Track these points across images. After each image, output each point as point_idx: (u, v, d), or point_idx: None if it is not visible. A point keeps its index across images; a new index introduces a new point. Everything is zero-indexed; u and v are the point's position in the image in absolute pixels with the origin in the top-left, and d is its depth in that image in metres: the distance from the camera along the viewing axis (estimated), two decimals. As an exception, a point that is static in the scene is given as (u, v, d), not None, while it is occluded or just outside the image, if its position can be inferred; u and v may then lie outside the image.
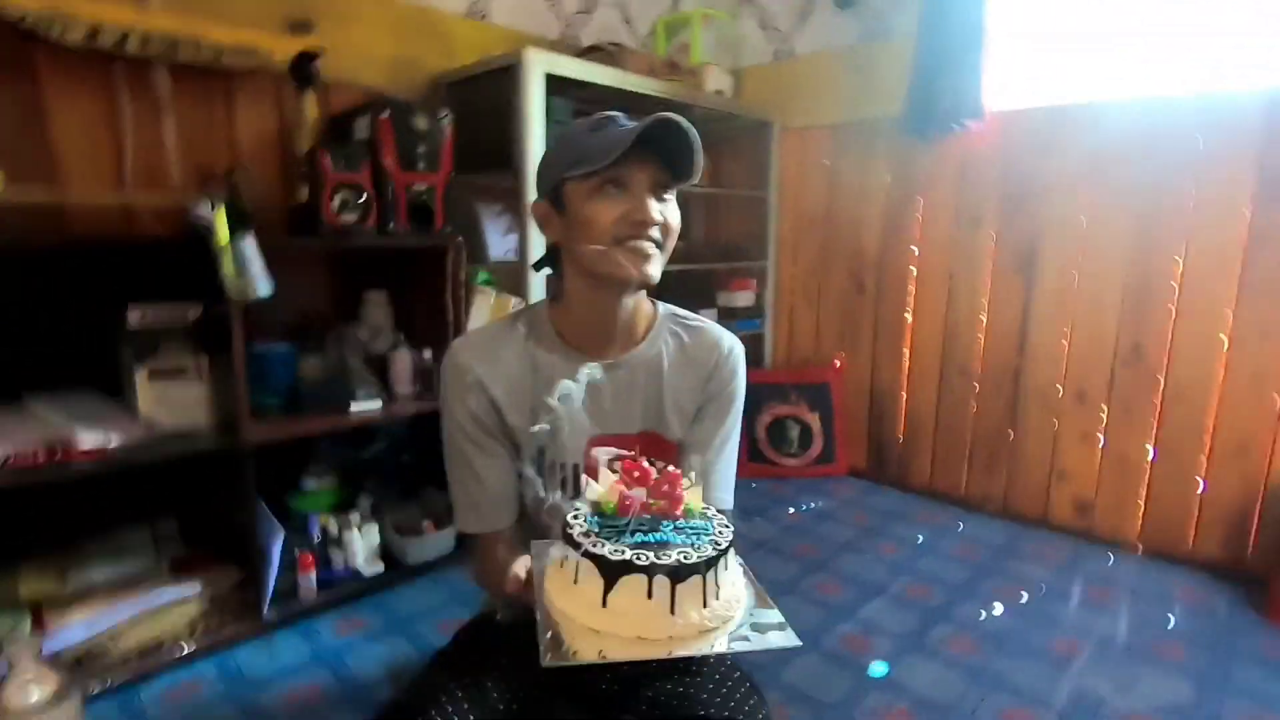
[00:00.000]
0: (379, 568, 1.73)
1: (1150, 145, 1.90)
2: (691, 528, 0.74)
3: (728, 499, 1.03)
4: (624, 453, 0.85)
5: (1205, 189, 1.83)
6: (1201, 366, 1.87)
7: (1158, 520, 1.98)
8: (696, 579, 0.67)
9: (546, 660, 0.64)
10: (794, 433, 2.55)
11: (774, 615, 0.72)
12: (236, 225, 1.33)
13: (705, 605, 0.68)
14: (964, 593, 1.76)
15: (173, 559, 1.53)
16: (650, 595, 0.66)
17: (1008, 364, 2.21)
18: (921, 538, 2.08)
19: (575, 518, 0.75)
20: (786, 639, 0.69)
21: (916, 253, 2.38)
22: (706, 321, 1.07)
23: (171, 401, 1.44)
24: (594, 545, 0.69)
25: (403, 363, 1.83)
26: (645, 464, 0.78)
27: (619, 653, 0.66)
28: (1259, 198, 1.76)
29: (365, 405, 1.70)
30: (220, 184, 1.36)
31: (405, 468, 1.96)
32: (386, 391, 1.80)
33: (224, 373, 1.46)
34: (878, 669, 1.44)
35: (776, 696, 1.33)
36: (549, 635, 0.67)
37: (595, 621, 0.68)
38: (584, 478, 0.82)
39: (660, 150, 0.86)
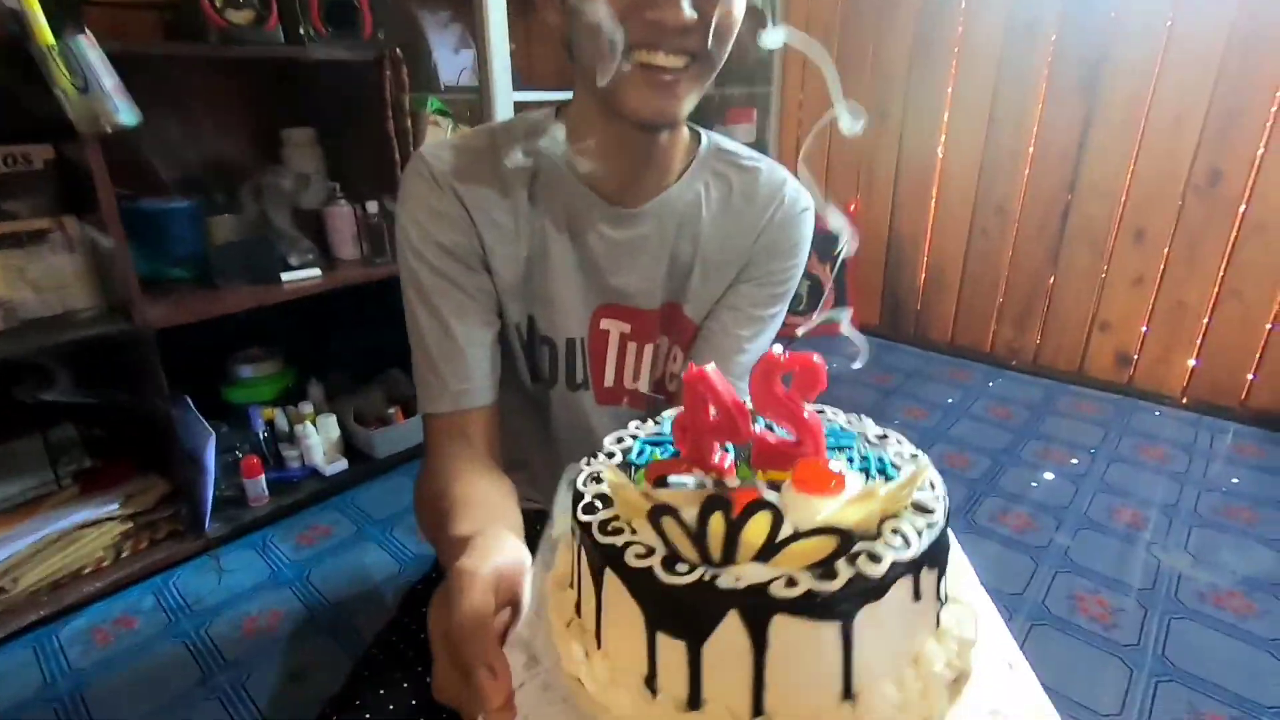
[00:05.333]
0: (342, 465, 1.48)
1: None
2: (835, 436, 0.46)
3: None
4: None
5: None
6: (1294, 193, 1.60)
7: (1209, 371, 1.79)
8: (904, 589, 0.36)
9: None
10: (803, 287, 2.27)
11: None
12: (62, 18, 0.91)
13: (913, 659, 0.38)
14: (1008, 459, 1.58)
15: (79, 472, 1.25)
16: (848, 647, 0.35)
17: (1055, 200, 1.92)
18: (951, 399, 1.88)
19: (608, 523, 0.39)
20: None
21: (954, 69, 2.00)
22: (763, 160, 0.77)
23: (33, 277, 1.09)
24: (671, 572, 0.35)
25: (342, 220, 1.47)
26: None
27: None
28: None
29: (300, 275, 1.36)
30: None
31: (361, 348, 1.65)
32: (325, 256, 1.45)
33: (100, 235, 1.10)
34: (930, 554, 1.27)
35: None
36: None
37: None
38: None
39: None
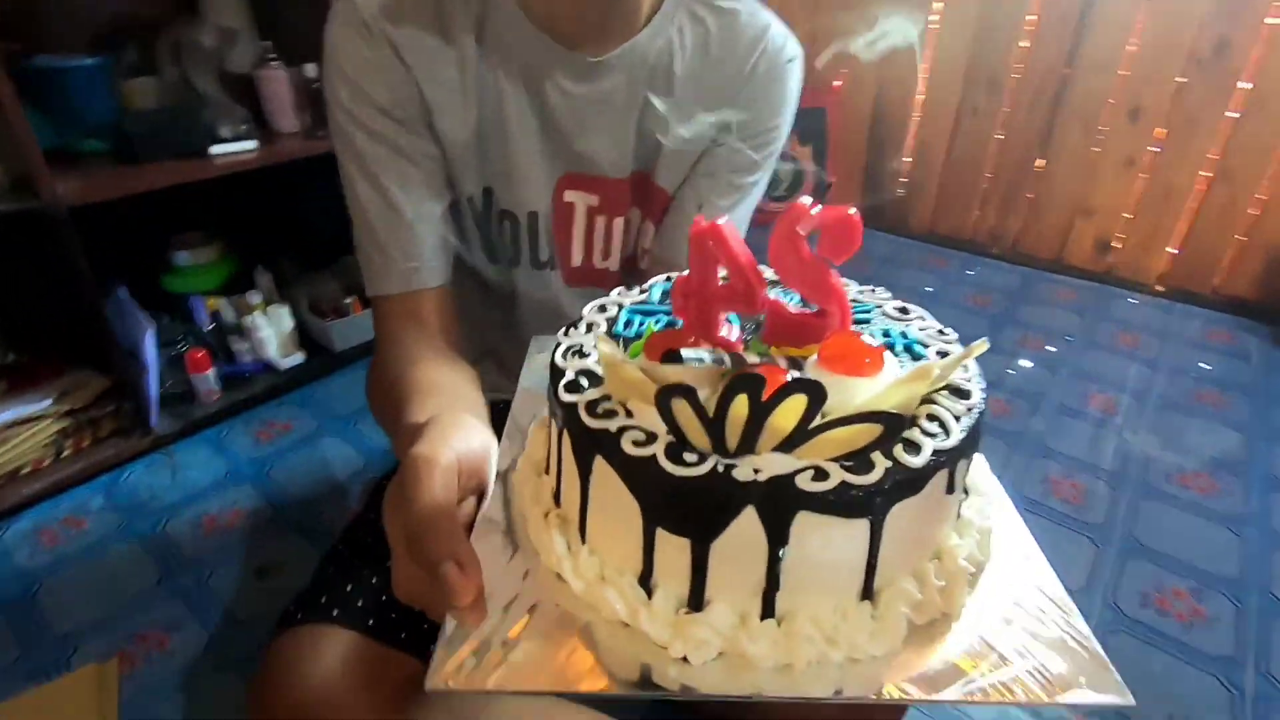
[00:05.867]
0: (298, 358, 1.39)
1: None
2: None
3: None
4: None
5: None
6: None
7: (1188, 257, 1.78)
8: (940, 481, 0.31)
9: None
10: (784, 170, 2.16)
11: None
12: None
13: (938, 552, 0.34)
14: (985, 347, 1.56)
15: (5, 367, 1.15)
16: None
17: (1051, 75, 1.81)
18: (930, 287, 1.85)
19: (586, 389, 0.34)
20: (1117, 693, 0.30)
21: (956, -78, 1.81)
22: (747, 1, 0.66)
23: (-87, 145, 0.94)
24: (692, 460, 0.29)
25: (277, 85, 1.30)
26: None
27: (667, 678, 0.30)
28: None
29: (232, 148, 1.21)
30: None
31: (312, 232, 1.52)
32: (261, 127, 1.30)
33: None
34: (907, 441, 1.26)
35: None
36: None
37: (682, 640, 0.30)
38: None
39: None
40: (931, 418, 0.32)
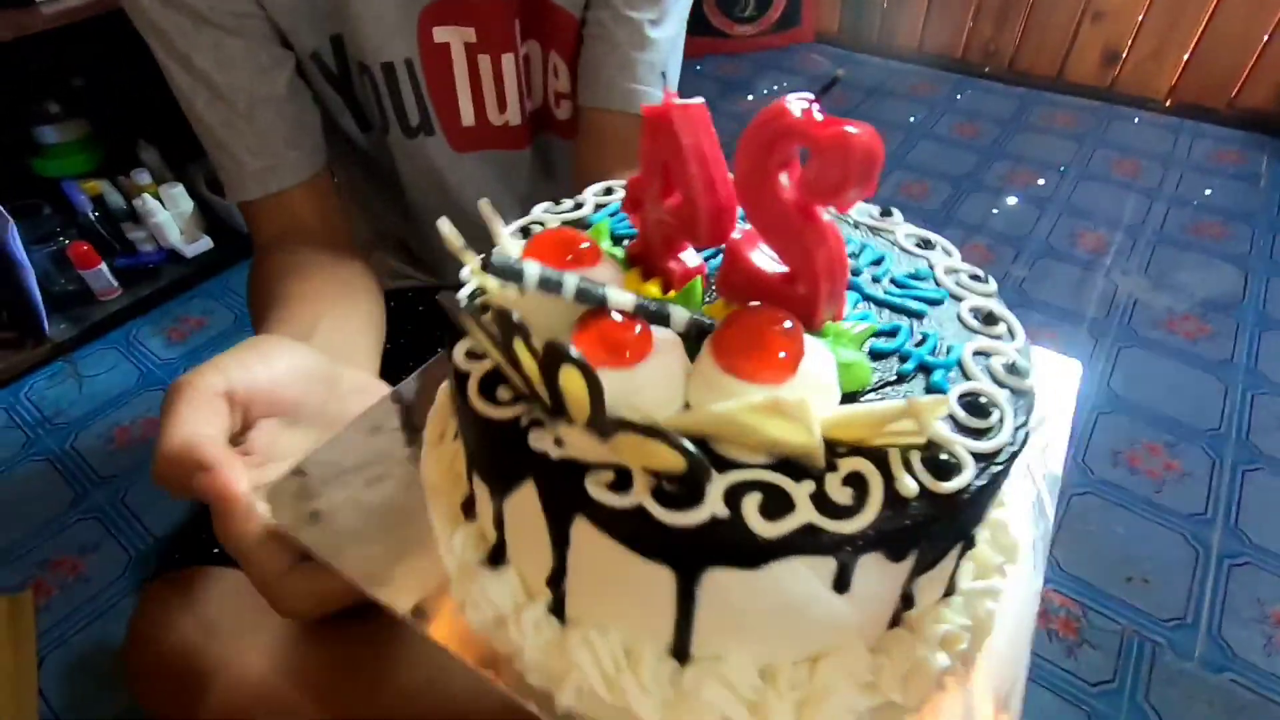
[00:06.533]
0: (205, 243, 1.25)
1: None
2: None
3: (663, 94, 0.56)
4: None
5: None
6: None
7: (1202, 66, 1.58)
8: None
9: None
10: (750, -14, 1.87)
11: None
12: None
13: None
14: (970, 185, 1.42)
15: None
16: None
17: None
18: (913, 118, 1.66)
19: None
20: None
21: None
22: None
23: None
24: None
25: (106, -97, 1.05)
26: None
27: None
28: None
29: (60, -9, 0.99)
30: None
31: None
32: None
33: None
34: (877, 299, 1.16)
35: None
36: None
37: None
38: (504, 232, 0.29)
39: None
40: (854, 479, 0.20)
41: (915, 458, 0.20)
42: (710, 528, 0.18)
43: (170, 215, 1.22)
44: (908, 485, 0.19)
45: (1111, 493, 0.86)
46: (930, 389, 0.23)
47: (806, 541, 0.18)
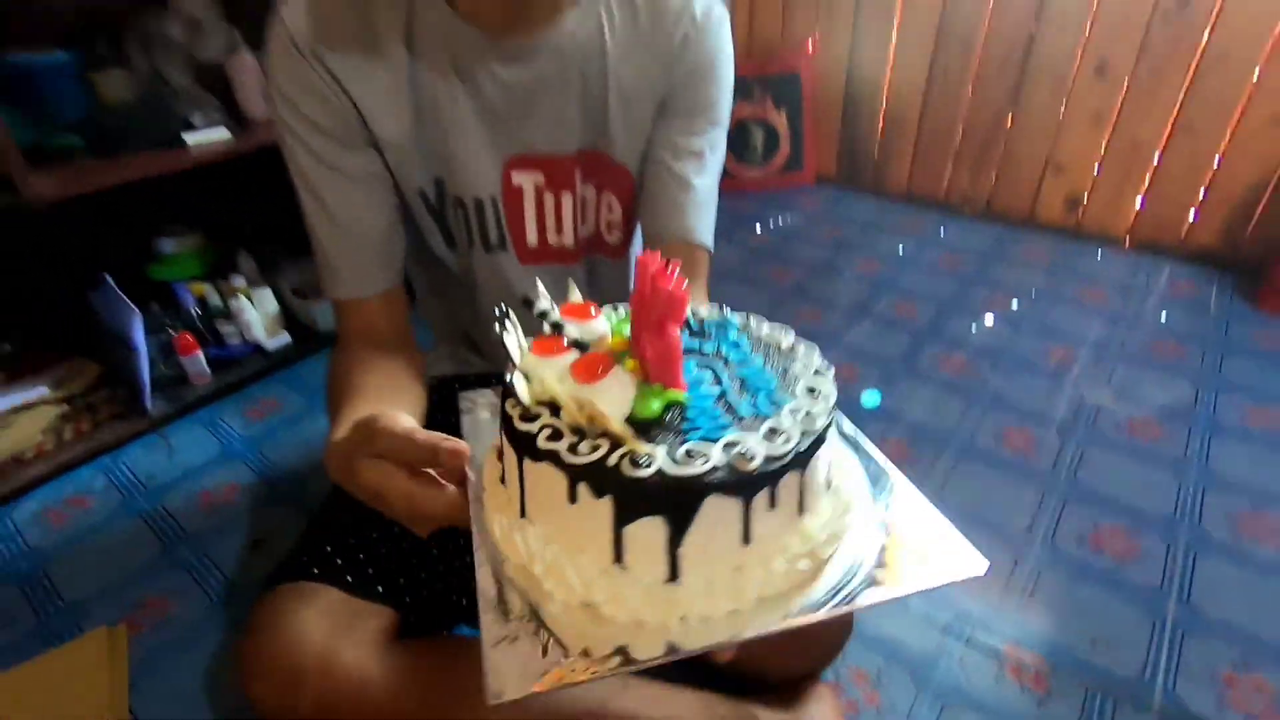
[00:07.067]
0: (284, 339, 1.45)
1: None
2: (734, 349, 0.47)
3: (708, 231, 0.75)
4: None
5: None
6: (1263, 14, 1.52)
7: (1154, 210, 1.81)
8: (792, 480, 0.37)
9: (528, 688, 0.34)
10: (758, 138, 2.18)
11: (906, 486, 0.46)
12: None
13: (799, 530, 0.39)
14: (952, 306, 1.61)
15: None
16: (749, 537, 0.37)
17: (1019, 34, 1.82)
18: (902, 249, 1.88)
19: (525, 416, 0.40)
20: (967, 564, 0.40)
21: (922, -122, 1.80)
22: None
23: (-105, 148, 0.98)
24: (576, 452, 0.36)
25: (247, 73, 1.33)
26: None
27: (647, 648, 0.35)
28: None
29: (206, 136, 1.25)
30: None
31: (291, 216, 1.56)
32: (234, 115, 1.33)
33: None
34: (870, 399, 1.32)
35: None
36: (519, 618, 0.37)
37: (601, 595, 0.37)
38: (509, 338, 0.43)
39: None
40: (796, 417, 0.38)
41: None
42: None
43: (258, 314, 1.42)
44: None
45: (1078, 568, 0.97)
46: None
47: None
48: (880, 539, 0.42)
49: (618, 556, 0.37)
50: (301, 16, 0.59)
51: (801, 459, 0.37)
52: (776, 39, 2.21)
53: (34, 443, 1.14)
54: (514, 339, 0.43)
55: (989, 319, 1.56)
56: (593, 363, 0.39)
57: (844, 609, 0.37)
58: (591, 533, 0.37)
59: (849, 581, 0.39)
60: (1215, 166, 1.68)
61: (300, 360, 1.45)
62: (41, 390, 1.16)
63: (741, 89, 2.12)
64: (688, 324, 0.51)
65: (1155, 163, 1.76)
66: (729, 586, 0.37)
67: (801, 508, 0.39)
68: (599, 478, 0.35)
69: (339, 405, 0.58)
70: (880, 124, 2.14)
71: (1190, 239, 1.78)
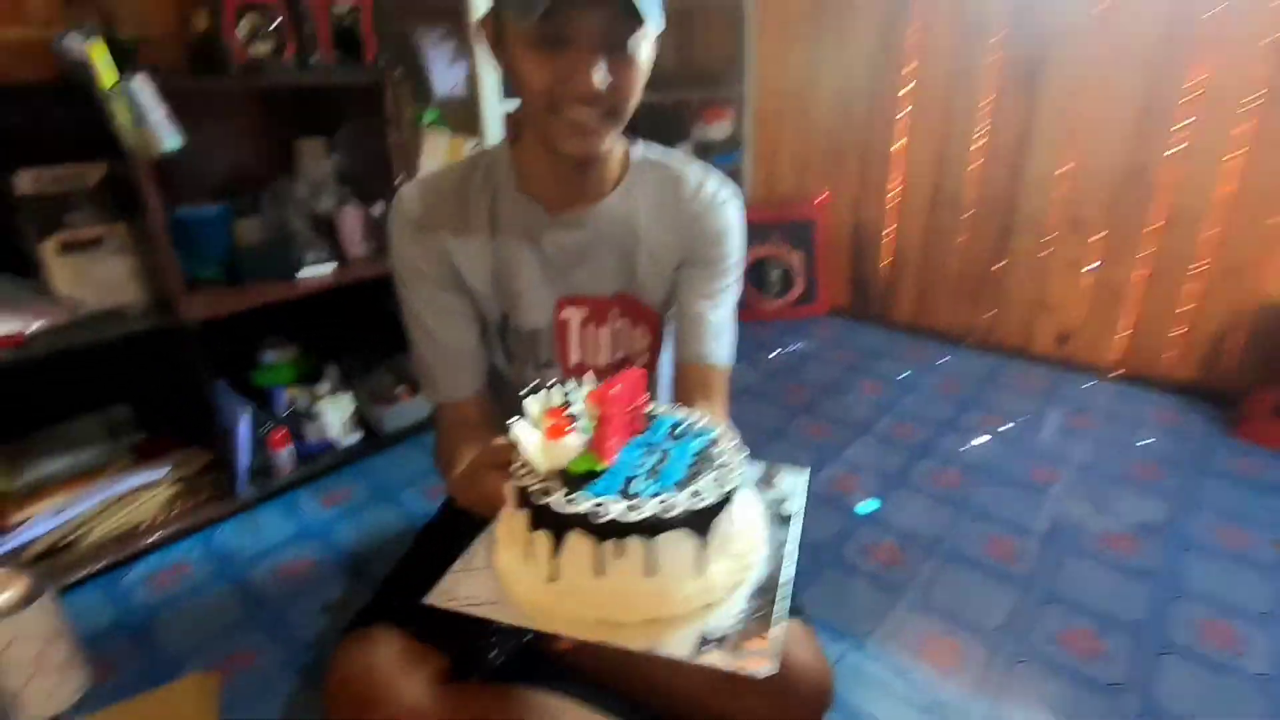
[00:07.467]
0: (356, 438, 1.68)
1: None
2: (683, 442, 0.64)
3: (722, 353, 0.93)
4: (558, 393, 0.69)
5: (1239, -21, 1.62)
6: (1208, 184, 1.76)
7: (1137, 346, 1.98)
8: (683, 536, 0.55)
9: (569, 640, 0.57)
10: (775, 274, 2.46)
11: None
12: (121, 62, 1.09)
13: (702, 573, 0.56)
14: (947, 427, 1.77)
15: (134, 445, 1.45)
16: (602, 569, 0.54)
17: (1002, 192, 2.09)
18: (905, 374, 2.07)
19: (543, 490, 0.58)
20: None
21: (913, 67, 2.16)
22: (690, 164, 0.93)
23: (92, 277, 1.28)
24: (542, 494, 0.56)
25: (352, 221, 1.65)
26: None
27: (576, 630, 0.56)
28: (1298, -12, 1.56)
29: (316, 270, 1.55)
30: (92, 10, 1.11)
31: (370, 333, 1.84)
32: (338, 254, 1.64)
33: (148, 243, 1.29)
34: (866, 507, 1.47)
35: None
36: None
37: (543, 600, 0.57)
38: (518, 428, 0.62)
39: None
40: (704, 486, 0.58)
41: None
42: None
43: (336, 417, 1.66)
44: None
45: (1048, 664, 1.07)
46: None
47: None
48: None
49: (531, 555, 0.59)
50: (416, 202, 0.86)
51: (644, 527, 0.54)
52: (792, 192, 2.53)
53: (150, 517, 1.36)
54: (537, 406, 0.64)
55: (981, 439, 1.71)
56: (559, 426, 0.60)
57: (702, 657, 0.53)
58: (523, 538, 0.58)
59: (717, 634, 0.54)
60: (1187, 308, 1.87)
61: (368, 456, 1.67)
62: (162, 473, 1.39)
63: (760, 233, 2.42)
64: (672, 424, 0.69)
65: (1132, 305, 1.95)
66: (587, 598, 0.56)
67: (647, 568, 0.55)
68: (528, 505, 0.58)
69: (453, 461, 0.81)
70: (885, 265, 2.41)
71: (1173, 372, 1.94)
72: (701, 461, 0.62)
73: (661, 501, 0.55)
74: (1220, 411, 1.81)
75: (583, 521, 0.54)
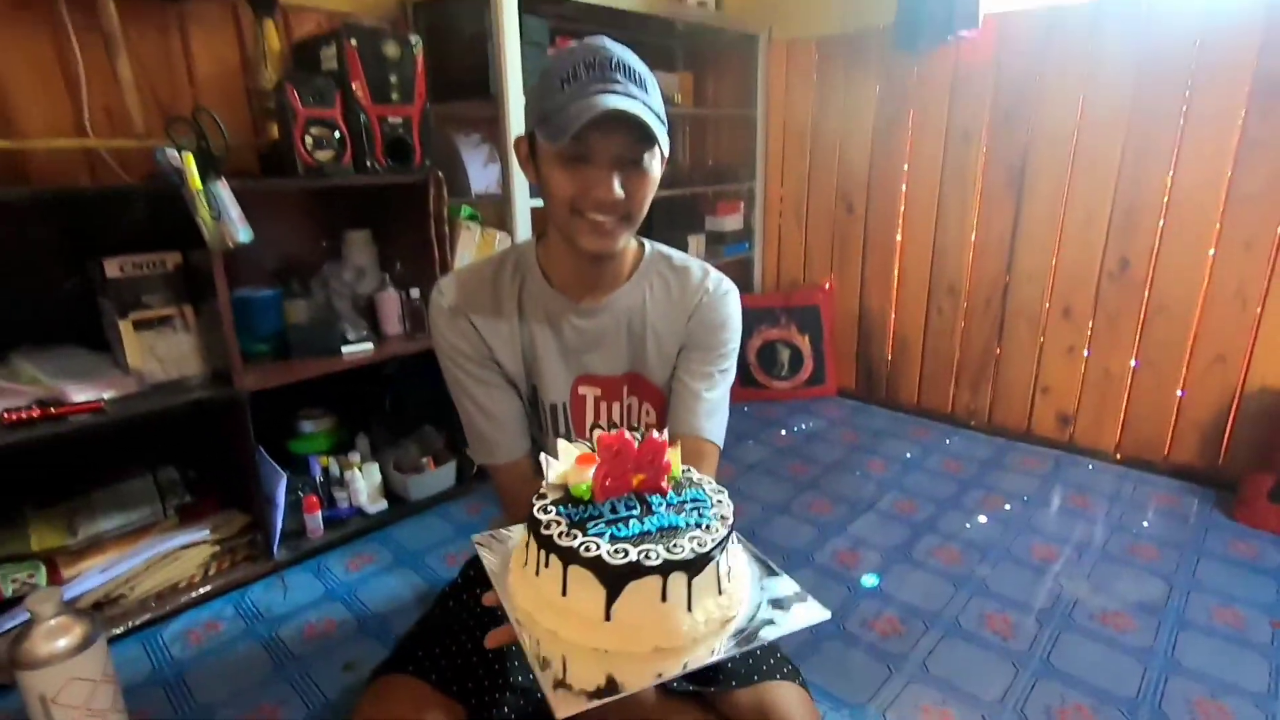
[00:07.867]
0: (383, 505, 1.77)
1: (1146, 50, 1.84)
2: (689, 500, 0.68)
3: (715, 430, 1.02)
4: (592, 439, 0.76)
5: (1200, 98, 1.79)
6: (1186, 278, 1.88)
7: (1136, 430, 2.04)
8: (712, 568, 0.61)
9: (561, 714, 0.54)
10: (784, 356, 2.57)
11: (788, 585, 0.68)
12: (207, 170, 1.28)
13: (720, 592, 0.62)
14: (950, 505, 1.83)
15: (179, 505, 1.55)
16: (665, 598, 0.59)
17: (996, 282, 2.22)
18: (909, 454, 2.14)
19: (544, 509, 0.65)
20: (813, 612, 0.63)
21: (907, 169, 2.34)
22: (694, 262, 1.05)
23: (160, 352, 1.43)
24: (583, 546, 0.59)
25: (390, 303, 1.81)
26: (626, 434, 0.68)
27: (633, 675, 0.57)
28: (1252, 109, 1.72)
29: (356, 348, 1.69)
30: (185, 127, 1.30)
31: (401, 407, 1.97)
32: (376, 333, 1.79)
33: (210, 321, 1.44)
34: (868, 580, 1.52)
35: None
36: (546, 668, 0.58)
37: (599, 640, 0.59)
38: (543, 456, 0.73)
39: (628, 116, 0.80)
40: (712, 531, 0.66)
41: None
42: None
43: (365, 485, 1.76)
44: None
45: (1044, 738, 1.10)
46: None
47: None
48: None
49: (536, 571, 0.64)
50: (454, 291, 0.99)
51: (722, 545, 0.63)
52: (799, 279, 2.68)
53: (188, 575, 1.45)
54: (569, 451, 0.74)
55: (982, 518, 1.76)
56: (586, 460, 0.70)
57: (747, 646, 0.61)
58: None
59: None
60: (1180, 395, 1.94)
61: (393, 523, 1.76)
62: (204, 534, 1.49)
63: (770, 317, 2.56)
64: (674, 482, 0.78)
65: (1127, 390, 2.03)
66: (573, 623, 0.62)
67: (721, 579, 0.64)
68: (536, 534, 0.64)
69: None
70: (889, 350, 2.52)
71: (1171, 456, 1.99)
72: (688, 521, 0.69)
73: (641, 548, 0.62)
74: (1218, 494, 1.85)
75: (581, 559, 0.61)
